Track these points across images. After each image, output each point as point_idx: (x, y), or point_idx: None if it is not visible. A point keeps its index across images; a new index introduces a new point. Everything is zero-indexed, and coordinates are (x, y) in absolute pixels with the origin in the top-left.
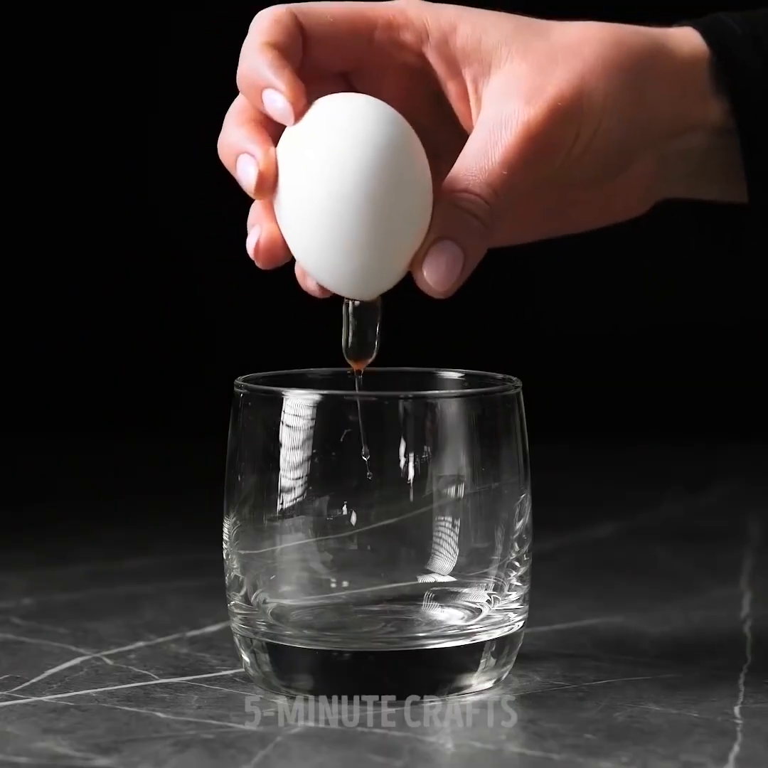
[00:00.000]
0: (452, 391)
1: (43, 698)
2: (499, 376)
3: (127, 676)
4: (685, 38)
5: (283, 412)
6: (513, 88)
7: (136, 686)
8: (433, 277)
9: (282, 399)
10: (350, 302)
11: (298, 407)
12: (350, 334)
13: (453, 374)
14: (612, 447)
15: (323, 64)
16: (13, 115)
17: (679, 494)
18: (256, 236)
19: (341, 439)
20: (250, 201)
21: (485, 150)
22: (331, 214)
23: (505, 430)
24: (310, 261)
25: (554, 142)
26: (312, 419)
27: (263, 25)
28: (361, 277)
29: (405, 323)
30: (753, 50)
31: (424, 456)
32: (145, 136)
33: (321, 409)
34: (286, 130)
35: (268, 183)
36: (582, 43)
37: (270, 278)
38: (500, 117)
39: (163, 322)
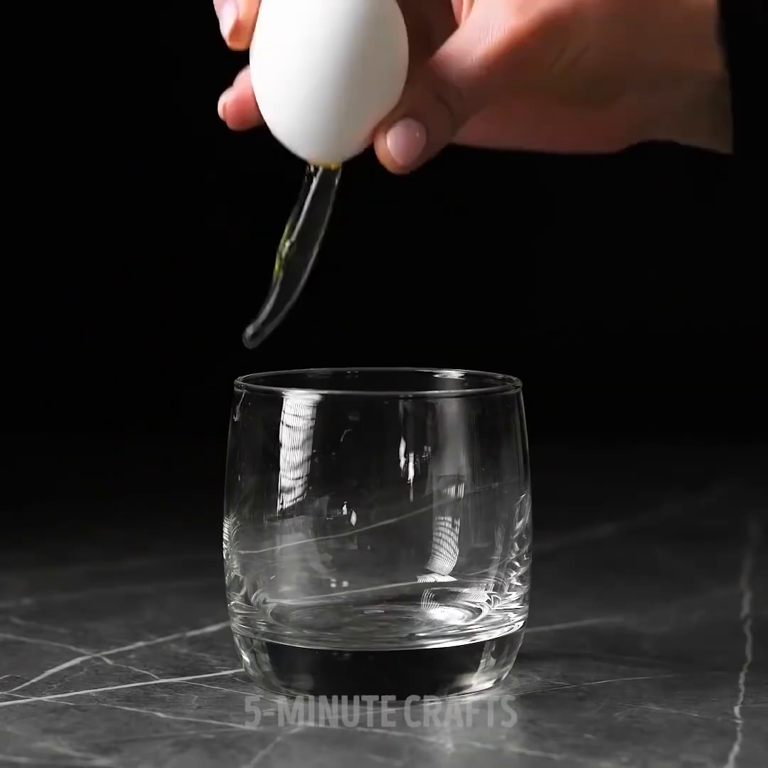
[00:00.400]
0: (452, 391)
1: (43, 698)
2: (499, 376)
3: (127, 676)
4: None
5: (283, 412)
6: None
7: (136, 686)
8: (395, 148)
9: (282, 399)
10: (310, 172)
11: (298, 407)
12: (304, 207)
13: (453, 374)
14: (612, 447)
15: None
16: (12, 117)
17: (679, 494)
18: (226, 97)
19: (341, 439)
20: (250, 199)
21: (468, 47)
22: (299, 69)
23: (505, 430)
24: (275, 118)
25: (536, 55)
26: (312, 419)
27: None
28: (322, 137)
29: (405, 323)
30: (762, 5)
31: (424, 456)
32: (145, 137)
33: (321, 409)
34: None
35: (244, 32)
36: None
37: (269, 278)
38: (489, 18)
39: (163, 322)
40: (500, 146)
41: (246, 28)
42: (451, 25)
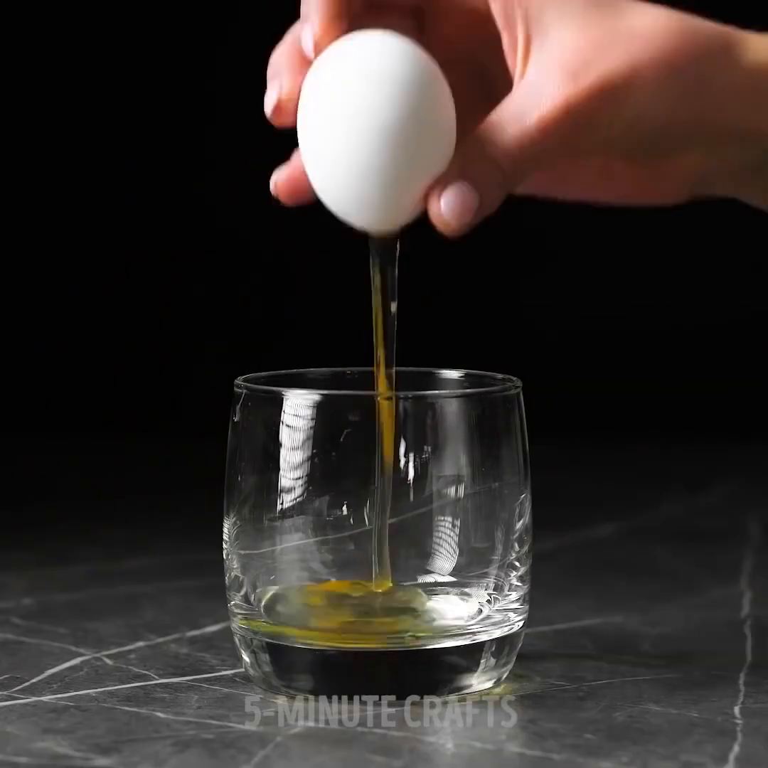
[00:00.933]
0: (452, 391)
1: (43, 698)
2: (499, 376)
3: (127, 676)
4: (764, 46)
5: (283, 412)
6: (565, 58)
7: (136, 686)
8: (448, 211)
9: (282, 399)
10: (371, 239)
11: (298, 407)
12: (373, 272)
13: (453, 374)
14: (612, 447)
15: None
16: (13, 120)
17: (679, 494)
18: (278, 174)
19: (341, 439)
20: (252, 200)
21: (523, 110)
22: (346, 141)
23: (505, 430)
24: (326, 192)
25: (590, 120)
26: (312, 419)
27: None
28: (374, 206)
29: (405, 323)
30: None
31: (424, 456)
32: (146, 136)
33: (321, 409)
34: (315, 61)
35: (285, 113)
36: (647, 32)
37: (269, 278)
38: (544, 83)
39: (163, 322)
40: (564, 198)
41: (288, 107)
42: (509, 76)
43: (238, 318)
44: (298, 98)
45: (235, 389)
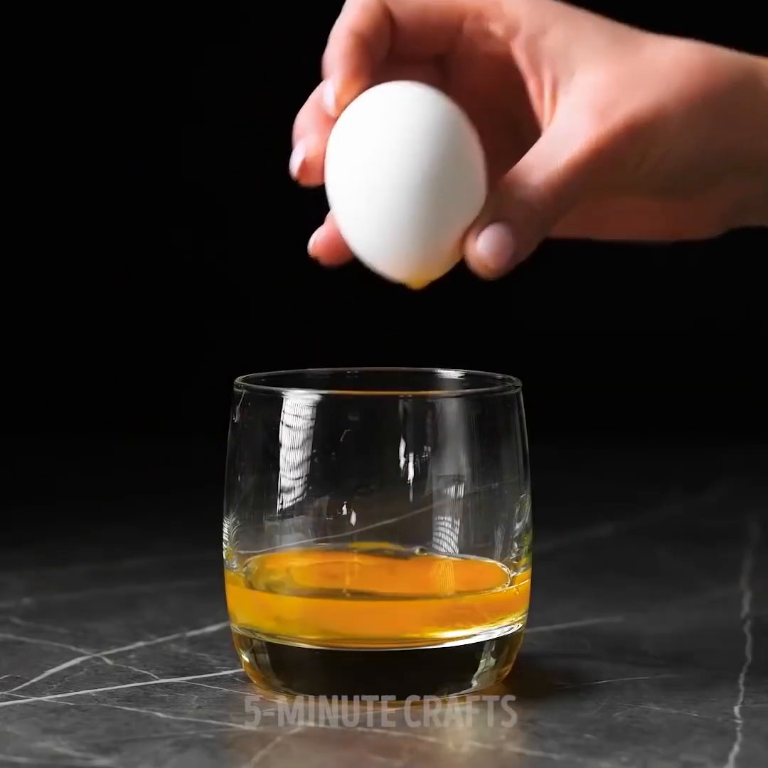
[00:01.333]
0: (452, 391)
1: (43, 698)
2: (499, 376)
3: (127, 676)
4: None
5: (283, 412)
6: (590, 98)
7: (136, 686)
8: (486, 251)
9: (282, 399)
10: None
11: (298, 407)
12: None
13: (453, 374)
14: (612, 447)
15: (412, 49)
16: (14, 120)
17: (679, 494)
18: (316, 235)
19: (341, 439)
20: (253, 200)
21: (552, 153)
22: (377, 198)
23: (505, 430)
24: (363, 249)
25: (620, 159)
26: (312, 419)
27: (350, 11)
28: (411, 261)
29: (405, 323)
30: None
31: (424, 456)
32: (148, 137)
33: (321, 409)
34: (340, 117)
35: (312, 172)
36: (672, 67)
37: (270, 278)
38: (572, 125)
39: (162, 322)
40: (600, 238)
41: (314, 167)
42: (536, 121)
43: (238, 318)
44: (324, 157)
45: (235, 389)
